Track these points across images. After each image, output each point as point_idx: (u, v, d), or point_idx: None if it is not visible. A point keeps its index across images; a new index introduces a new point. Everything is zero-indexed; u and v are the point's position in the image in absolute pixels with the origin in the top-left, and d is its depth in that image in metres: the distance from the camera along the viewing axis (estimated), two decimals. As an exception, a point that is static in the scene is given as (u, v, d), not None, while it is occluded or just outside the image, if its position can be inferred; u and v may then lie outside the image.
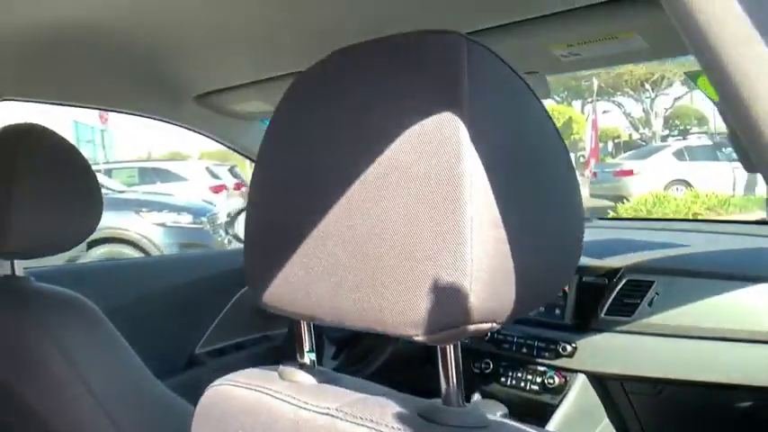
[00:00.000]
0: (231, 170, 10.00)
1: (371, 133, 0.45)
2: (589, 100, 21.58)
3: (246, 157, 1.96)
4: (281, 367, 0.58)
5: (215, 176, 9.66)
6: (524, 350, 1.55)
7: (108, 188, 6.86)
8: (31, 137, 1.04)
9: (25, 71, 1.38)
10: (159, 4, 1.06)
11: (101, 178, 7.49)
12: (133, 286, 1.69)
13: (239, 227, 2.19)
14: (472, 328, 0.42)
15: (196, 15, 1.13)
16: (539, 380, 1.52)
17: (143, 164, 9.44)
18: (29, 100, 1.49)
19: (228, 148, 1.94)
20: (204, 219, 5.93)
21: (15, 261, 1.07)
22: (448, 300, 0.40)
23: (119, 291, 1.63)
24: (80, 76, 1.46)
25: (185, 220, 5.67)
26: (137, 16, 1.13)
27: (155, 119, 1.70)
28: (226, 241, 6.13)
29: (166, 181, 9.15)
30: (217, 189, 9.23)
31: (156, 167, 9.47)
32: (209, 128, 1.80)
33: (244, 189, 10.40)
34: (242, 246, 0.59)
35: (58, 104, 1.52)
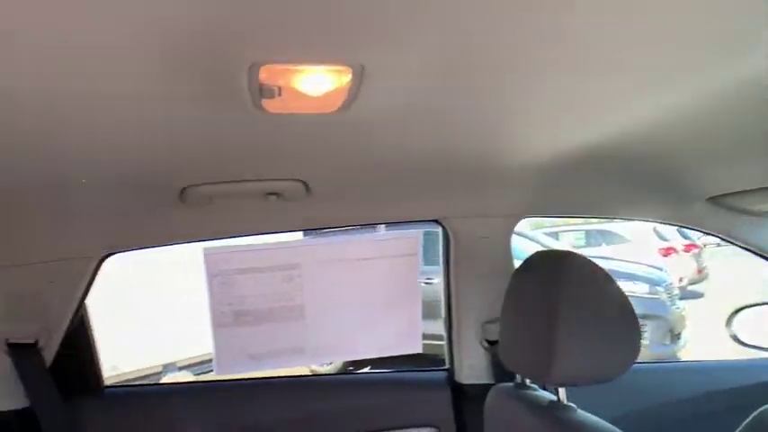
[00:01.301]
0: (680, 230, 9.25)
1: None
2: None
3: (757, 254, 1.70)
4: None
5: (662, 238, 9.09)
6: None
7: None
8: (569, 264, 1.07)
9: (541, 191, 1.49)
10: (681, 119, 0.99)
11: (549, 240, 7.94)
12: (645, 393, 1.63)
13: (739, 324, 1.91)
14: None
15: (725, 123, 1.02)
16: None
17: (589, 226, 9.61)
18: (542, 216, 1.63)
19: (734, 245, 1.71)
20: (660, 288, 5.56)
21: (560, 389, 1.12)
22: None
23: (628, 398, 1.58)
24: (591, 191, 1.50)
25: (641, 289, 5.43)
26: (661, 132, 1.08)
27: (656, 222, 1.64)
28: (683, 314, 5.61)
29: (611, 243, 9.06)
30: (666, 251, 8.65)
31: (601, 229, 9.49)
32: (715, 227, 1.63)
33: (695, 251, 9.45)
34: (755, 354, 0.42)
35: (563, 217, 1.62)
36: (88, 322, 1.53)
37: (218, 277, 1.56)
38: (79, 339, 1.50)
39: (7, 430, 1.40)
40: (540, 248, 1.33)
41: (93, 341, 1.56)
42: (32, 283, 1.36)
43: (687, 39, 0.66)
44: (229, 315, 1.58)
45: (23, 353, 1.40)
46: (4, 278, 1.35)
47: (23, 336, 1.41)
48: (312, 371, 4.14)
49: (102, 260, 1.43)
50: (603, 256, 7.95)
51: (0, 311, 1.40)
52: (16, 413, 1.40)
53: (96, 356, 1.56)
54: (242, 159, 1.10)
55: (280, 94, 0.76)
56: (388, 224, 1.85)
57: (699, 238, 9.26)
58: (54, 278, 1.37)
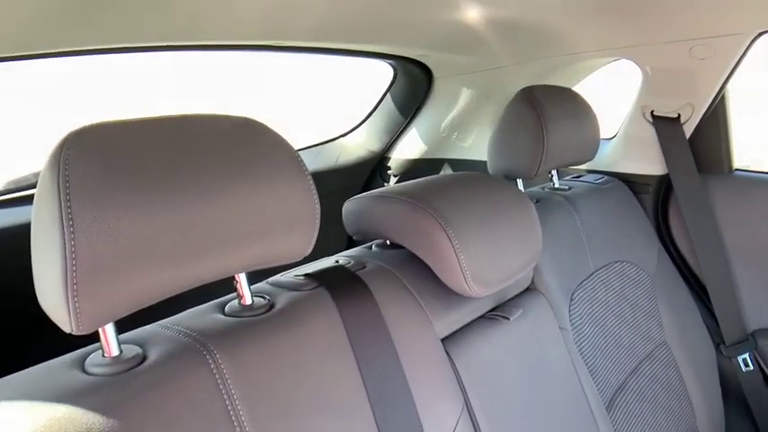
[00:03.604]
0: None
1: None
2: None
3: None
4: None
5: None
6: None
7: None
8: None
9: None
10: None
11: None
12: None
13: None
14: None
15: None
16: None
17: None
18: None
19: None
20: None
21: None
22: None
23: None
24: None
25: None
26: None
27: None
28: None
29: None
30: None
31: None
32: None
33: None
34: None
35: None
36: (727, 103, 1.51)
37: None
38: (717, 118, 1.51)
39: (643, 192, 1.60)
40: None
41: (729, 123, 1.54)
42: (683, 60, 1.41)
43: None
44: None
45: (666, 124, 1.52)
46: (659, 54, 1.44)
47: (668, 109, 1.52)
48: None
49: (755, 39, 1.33)
50: None
51: (650, 85, 1.53)
52: (656, 178, 1.58)
53: (729, 138, 1.55)
54: None
55: None
56: None
57: None
58: (705, 55, 1.38)
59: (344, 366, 0.74)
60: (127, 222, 0.51)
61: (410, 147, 2.06)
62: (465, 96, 1.86)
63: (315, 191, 0.67)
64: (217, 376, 0.62)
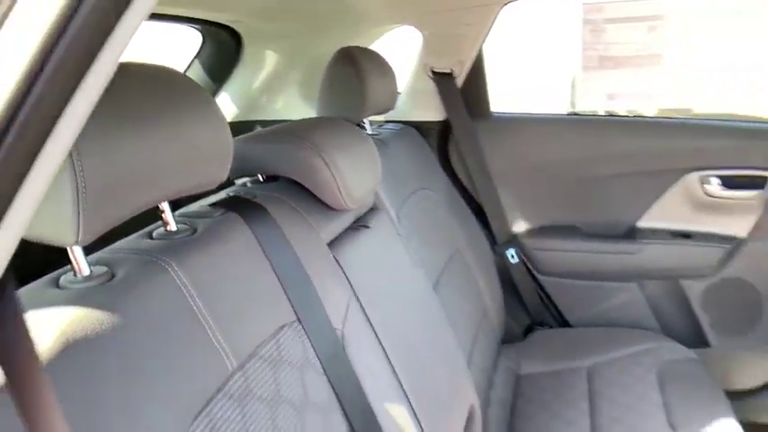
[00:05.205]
0: None
1: None
2: None
3: None
4: None
5: None
6: None
7: None
8: None
9: None
10: None
11: None
12: None
13: None
14: None
15: None
16: None
17: None
18: None
19: None
20: None
21: None
22: None
23: None
24: None
25: None
26: None
27: None
28: None
29: None
30: None
31: None
32: None
33: None
34: None
35: None
36: (482, 60, 1.96)
37: (590, 25, 1.80)
38: (478, 72, 1.95)
39: (429, 135, 1.99)
40: None
41: (485, 76, 1.99)
42: (453, 25, 1.80)
43: None
44: (595, 59, 1.84)
45: (443, 79, 1.91)
46: (435, 21, 1.81)
47: (443, 66, 1.90)
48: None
49: (501, 8, 1.77)
50: None
51: (429, 47, 1.89)
52: (438, 123, 1.97)
53: (485, 88, 2.01)
54: None
55: None
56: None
57: None
58: (470, 21, 1.78)
59: (264, 269, 0.92)
60: (114, 147, 0.63)
61: (222, 110, 2.16)
62: (273, 60, 2.04)
63: (227, 124, 0.82)
64: (179, 283, 0.75)
